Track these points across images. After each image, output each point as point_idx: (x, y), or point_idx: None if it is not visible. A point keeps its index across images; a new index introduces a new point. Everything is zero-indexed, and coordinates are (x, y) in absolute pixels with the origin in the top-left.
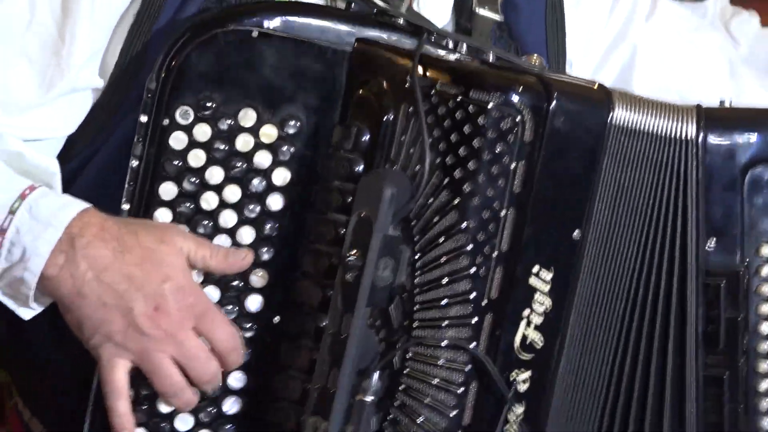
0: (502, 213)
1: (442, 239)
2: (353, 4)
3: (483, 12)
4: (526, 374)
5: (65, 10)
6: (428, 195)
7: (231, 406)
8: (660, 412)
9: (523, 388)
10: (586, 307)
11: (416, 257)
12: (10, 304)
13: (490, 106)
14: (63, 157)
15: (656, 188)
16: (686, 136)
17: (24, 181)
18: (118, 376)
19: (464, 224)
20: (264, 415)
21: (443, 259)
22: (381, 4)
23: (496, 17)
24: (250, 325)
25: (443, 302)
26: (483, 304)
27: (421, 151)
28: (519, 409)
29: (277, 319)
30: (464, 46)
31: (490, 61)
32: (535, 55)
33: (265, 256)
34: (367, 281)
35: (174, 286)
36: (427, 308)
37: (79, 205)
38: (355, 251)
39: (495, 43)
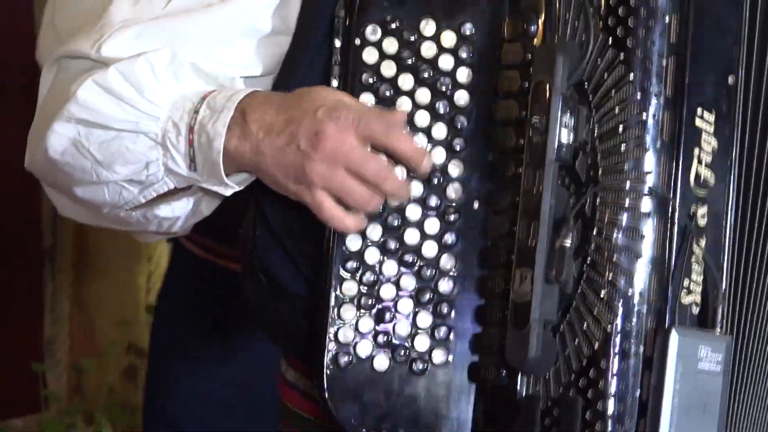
0: (664, 62)
1: (613, 92)
2: None
3: None
4: (704, 209)
5: None
6: (597, 56)
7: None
8: None
9: (702, 222)
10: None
11: (592, 113)
12: (218, 188)
13: None
14: None
15: None
16: None
17: (205, 90)
18: (329, 205)
19: (631, 75)
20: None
21: (617, 109)
22: None
23: None
24: (455, 216)
25: (622, 148)
26: (657, 146)
27: (585, 20)
28: (702, 242)
29: (476, 204)
30: None
31: None
32: None
33: (458, 147)
34: (552, 137)
35: (326, 109)
36: (608, 155)
37: (252, 89)
38: (538, 115)
39: None
